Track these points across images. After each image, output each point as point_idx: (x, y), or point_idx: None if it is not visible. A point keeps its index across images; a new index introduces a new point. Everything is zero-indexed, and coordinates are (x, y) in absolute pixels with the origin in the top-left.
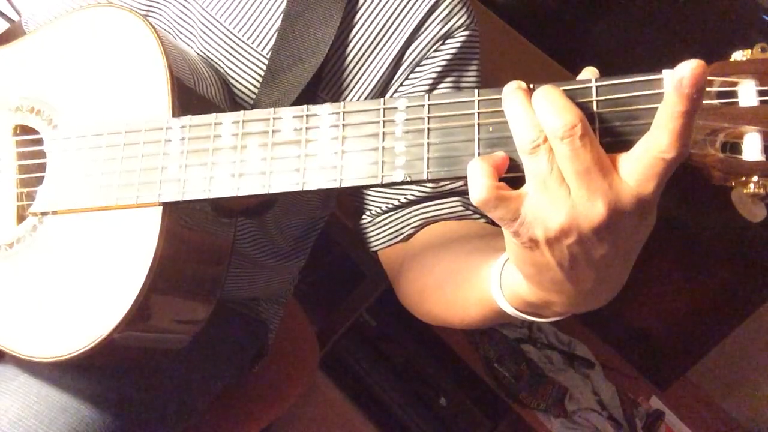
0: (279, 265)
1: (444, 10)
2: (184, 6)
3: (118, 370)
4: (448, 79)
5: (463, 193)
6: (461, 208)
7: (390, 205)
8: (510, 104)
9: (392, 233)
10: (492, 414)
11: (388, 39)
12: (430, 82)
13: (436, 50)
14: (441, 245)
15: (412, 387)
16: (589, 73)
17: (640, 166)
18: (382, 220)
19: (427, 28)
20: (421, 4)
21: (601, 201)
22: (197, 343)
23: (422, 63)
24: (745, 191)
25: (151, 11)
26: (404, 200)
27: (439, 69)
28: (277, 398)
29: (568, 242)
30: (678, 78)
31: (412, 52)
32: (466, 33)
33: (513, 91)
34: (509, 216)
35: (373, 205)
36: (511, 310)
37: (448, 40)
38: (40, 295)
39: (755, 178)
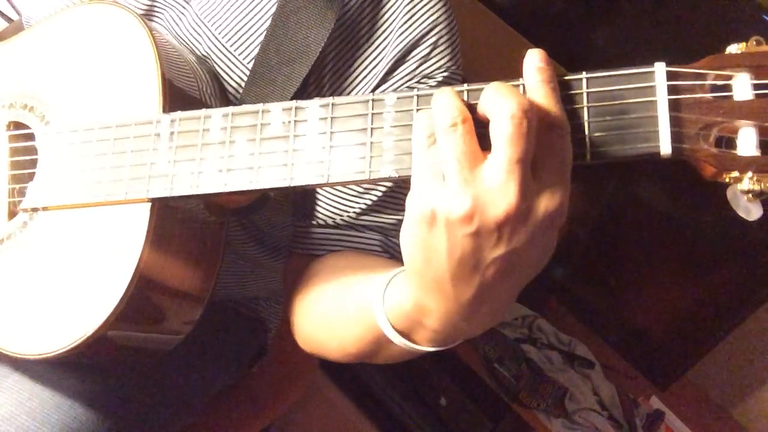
0: (277, 263)
1: (426, 48)
2: (182, 9)
3: (113, 368)
4: None
5: (386, 231)
6: (379, 249)
7: (321, 221)
8: (442, 90)
9: (308, 246)
10: (492, 414)
11: (370, 64)
12: None
13: (409, 88)
14: (341, 269)
15: (412, 387)
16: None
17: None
18: (309, 230)
19: (403, 64)
20: (408, 33)
21: (515, 194)
22: (196, 343)
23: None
24: (739, 187)
25: (153, 12)
26: (332, 222)
27: None
28: (277, 398)
29: (467, 230)
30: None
31: (397, 76)
32: (444, 74)
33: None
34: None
35: (319, 215)
36: (384, 322)
37: (424, 80)
38: (30, 291)
39: (750, 174)
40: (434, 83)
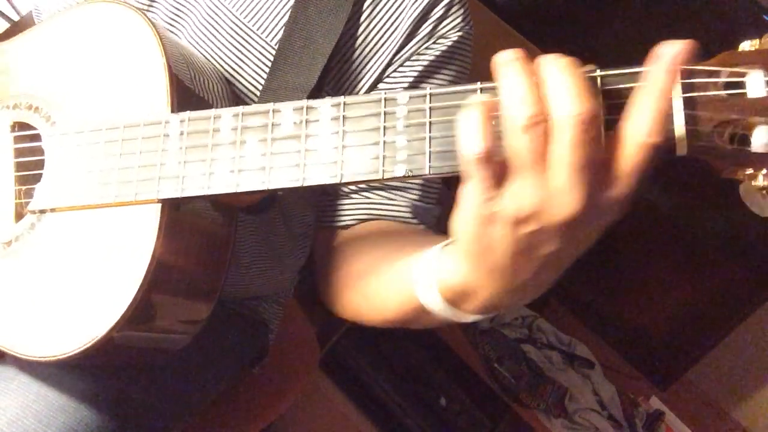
0: (279, 264)
1: (440, 9)
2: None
3: (118, 370)
4: (430, 79)
5: (414, 193)
6: (408, 214)
7: (346, 189)
8: (507, 74)
9: (333, 217)
10: (492, 414)
11: (392, 33)
12: (412, 78)
13: (427, 48)
14: (374, 238)
15: (412, 387)
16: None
17: (628, 162)
18: (332, 201)
19: (422, 25)
20: (421, 1)
21: (581, 198)
22: (197, 344)
23: (412, 58)
24: (753, 184)
25: (155, 2)
26: (358, 186)
27: (422, 67)
28: (277, 398)
29: (529, 229)
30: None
31: (406, 47)
32: (459, 34)
33: (511, 60)
34: (491, 182)
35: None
36: (431, 299)
37: (440, 40)
38: (39, 293)
39: (765, 171)
40: (450, 43)
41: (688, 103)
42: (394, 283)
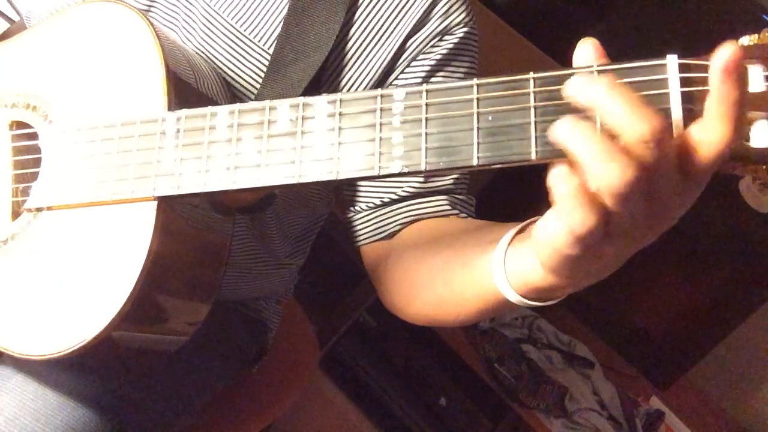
0: (279, 263)
1: (443, 6)
2: (186, 4)
3: (116, 369)
4: (440, 74)
5: (449, 191)
6: (448, 207)
7: (379, 201)
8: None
9: (377, 230)
10: (492, 414)
11: (389, 35)
12: (423, 75)
13: (433, 45)
14: (427, 243)
15: (412, 387)
16: (587, 45)
17: (709, 165)
18: (369, 215)
19: (426, 23)
20: (419, 1)
21: (677, 214)
22: (197, 343)
23: (418, 57)
24: (753, 180)
25: (153, 6)
26: (394, 197)
27: (432, 63)
28: (277, 398)
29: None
30: (720, 65)
31: (411, 47)
32: (465, 30)
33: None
34: (598, 223)
35: (363, 200)
36: (517, 298)
37: (446, 37)
38: (35, 291)
39: (764, 166)
40: (456, 39)
41: (687, 98)
42: (468, 287)
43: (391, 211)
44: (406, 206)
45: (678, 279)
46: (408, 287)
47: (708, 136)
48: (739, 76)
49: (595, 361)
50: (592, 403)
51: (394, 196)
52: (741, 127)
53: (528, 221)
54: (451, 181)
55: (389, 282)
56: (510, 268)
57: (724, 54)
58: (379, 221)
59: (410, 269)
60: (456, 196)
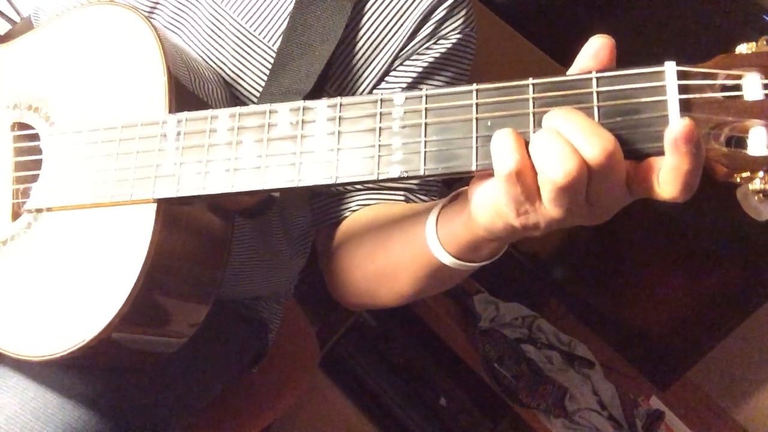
0: (279, 264)
1: (443, 10)
2: (193, 2)
3: (116, 370)
4: (428, 79)
5: (410, 189)
6: (403, 200)
7: (351, 186)
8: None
9: (337, 213)
10: (492, 414)
11: (393, 34)
12: (410, 79)
13: (427, 48)
14: (373, 220)
15: (412, 387)
16: (597, 41)
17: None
18: (335, 200)
19: (424, 25)
20: (424, 1)
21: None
22: (197, 343)
23: (412, 57)
24: (750, 187)
25: (159, 5)
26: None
27: (421, 68)
28: (277, 398)
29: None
30: (672, 138)
31: (408, 47)
32: (458, 36)
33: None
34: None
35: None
36: (450, 260)
37: (440, 41)
38: (34, 292)
39: (761, 174)
40: (449, 44)
41: (685, 105)
42: (404, 252)
43: (350, 197)
44: (364, 194)
45: (678, 279)
46: (349, 262)
47: (658, 189)
48: (689, 150)
49: (595, 361)
50: (592, 403)
51: (352, 187)
52: (695, 185)
53: (460, 189)
54: (419, 182)
55: (334, 261)
56: (441, 228)
57: (676, 127)
58: (337, 207)
59: (354, 244)
60: (416, 194)
